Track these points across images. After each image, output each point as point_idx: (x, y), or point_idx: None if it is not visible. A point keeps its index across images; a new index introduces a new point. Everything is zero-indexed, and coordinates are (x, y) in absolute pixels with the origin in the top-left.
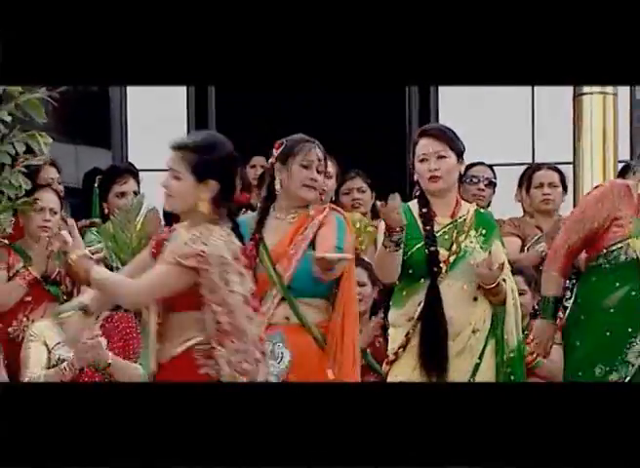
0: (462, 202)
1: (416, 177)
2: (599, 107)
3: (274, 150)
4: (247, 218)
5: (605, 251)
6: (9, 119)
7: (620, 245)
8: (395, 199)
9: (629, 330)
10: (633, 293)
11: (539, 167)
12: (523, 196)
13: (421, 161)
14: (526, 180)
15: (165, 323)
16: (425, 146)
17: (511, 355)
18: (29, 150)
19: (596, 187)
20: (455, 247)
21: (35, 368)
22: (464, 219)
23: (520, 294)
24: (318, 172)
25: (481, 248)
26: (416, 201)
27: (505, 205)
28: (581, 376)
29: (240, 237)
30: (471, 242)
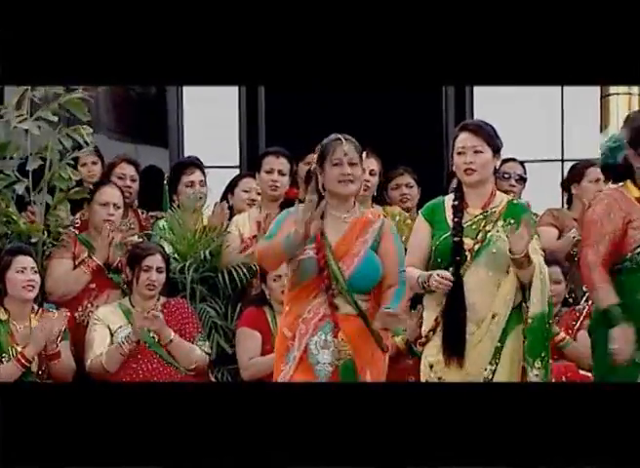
0: (498, 193)
1: (453, 169)
2: (625, 107)
3: (314, 155)
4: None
5: (630, 254)
6: (55, 119)
7: None
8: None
9: None
10: None
11: (592, 163)
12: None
13: (459, 154)
14: (575, 174)
15: None
16: (464, 140)
17: (530, 321)
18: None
19: (594, 202)
20: (480, 235)
21: (98, 349)
22: (495, 210)
23: (556, 283)
24: (351, 164)
25: (507, 237)
26: (452, 193)
27: (534, 199)
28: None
29: None
30: (497, 231)
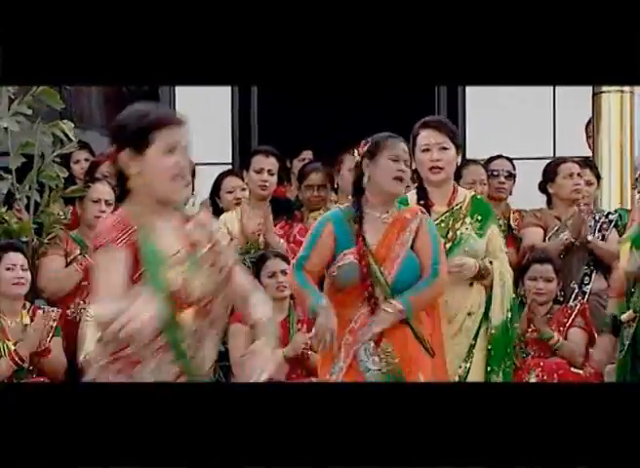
0: (460, 189)
1: (414, 167)
2: (617, 105)
3: (359, 149)
4: (342, 210)
5: None
6: (29, 112)
7: None
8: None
9: None
10: None
11: (565, 159)
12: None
13: (424, 151)
14: (550, 172)
15: None
16: (427, 137)
17: (492, 331)
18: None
19: None
20: (451, 234)
21: (91, 346)
22: (460, 207)
23: (548, 281)
24: (405, 165)
25: (476, 234)
26: (414, 191)
27: (527, 196)
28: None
29: None
30: (467, 229)
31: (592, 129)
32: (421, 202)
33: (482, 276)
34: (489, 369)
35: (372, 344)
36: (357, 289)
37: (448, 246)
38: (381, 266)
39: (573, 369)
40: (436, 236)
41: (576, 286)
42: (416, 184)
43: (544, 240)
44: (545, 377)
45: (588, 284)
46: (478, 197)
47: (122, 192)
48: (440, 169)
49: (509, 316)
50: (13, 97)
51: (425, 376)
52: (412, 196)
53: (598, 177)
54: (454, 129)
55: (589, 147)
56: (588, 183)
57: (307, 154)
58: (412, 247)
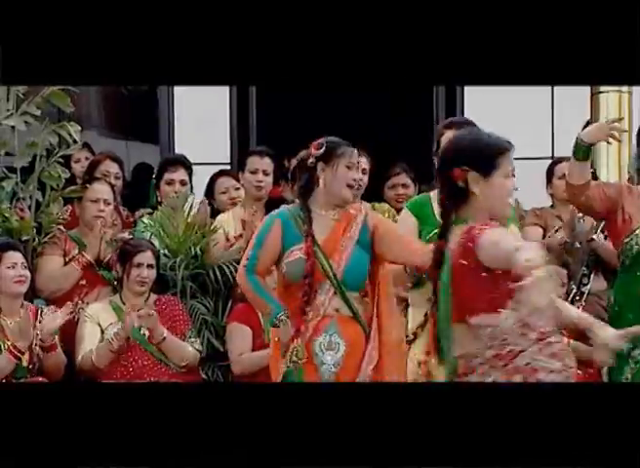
0: None
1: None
2: (615, 105)
3: (313, 150)
4: (289, 210)
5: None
6: (38, 113)
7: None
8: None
9: None
10: None
11: (560, 160)
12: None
13: None
14: (548, 173)
15: None
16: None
17: None
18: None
19: None
20: None
21: (89, 346)
22: None
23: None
24: (357, 172)
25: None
26: (437, 190)
27: (527, 197)
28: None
29: None
30: None
31: None
32: None
33: None
34: None
35: (327, 339)
36: (307, 282)
37: None
38: (330, 260)
39: None
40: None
41: (574, 286)
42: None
43: (544, 238)
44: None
45: (587, 284)
46: None
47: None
48: None
49: None
50: (22, 97)
51: (375, 374)
52: (434, 195)
53: (595, 177)
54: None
55: None
56: None
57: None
58: (372, 239)
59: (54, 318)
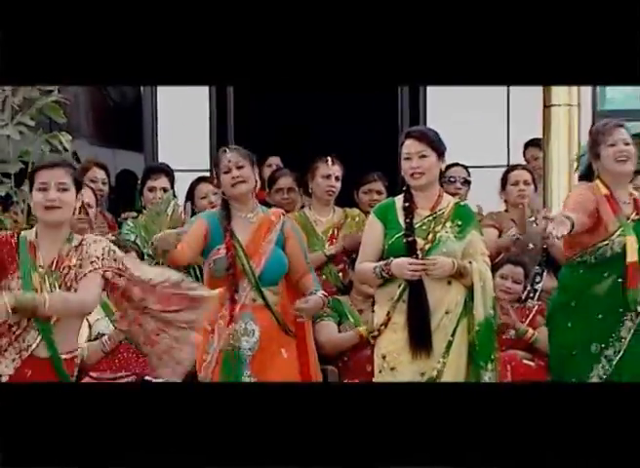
0: (445, 195)
1: (402, 174)
2: (565, 119)
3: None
4: (213, 214)
5: (591, 248)
6: (32, 123)
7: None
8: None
9: (620, 310)
10: (620, 280)
11: (514, 167)
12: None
13: (406, 159)
14: (502, 180)
15: None
16: (408, 146)
17: (477, 328)
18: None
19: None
20: (430, 236)
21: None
22: (443, 212)
23: (516, 283)
24: (238, 168)
25: (455, 237)
26: (402, 195)
27: (482, 201)
28: (576, 355)
29: None
30: (446, 232)
31: (542, 140)
32: (406, 204)
33: (461, 275)
34: (477, 364)
35: (243, 326)
36: (229, 278)
37: (427, 247)
38: (250, 260)
39: (524, 361)
40: (301, 237)
41: (528, 285)
42: (404, 188)
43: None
44: (499, 369)
45: (539, 282)
46: (462, 204)
47: None
48: (420, 174)
49: (492, 313)
50: (18, 108)
51: (289, 353)
52: (398, 200)
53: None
54: (434, 138)
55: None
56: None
57: (274, 160)
58: (283, 246)
59: None
